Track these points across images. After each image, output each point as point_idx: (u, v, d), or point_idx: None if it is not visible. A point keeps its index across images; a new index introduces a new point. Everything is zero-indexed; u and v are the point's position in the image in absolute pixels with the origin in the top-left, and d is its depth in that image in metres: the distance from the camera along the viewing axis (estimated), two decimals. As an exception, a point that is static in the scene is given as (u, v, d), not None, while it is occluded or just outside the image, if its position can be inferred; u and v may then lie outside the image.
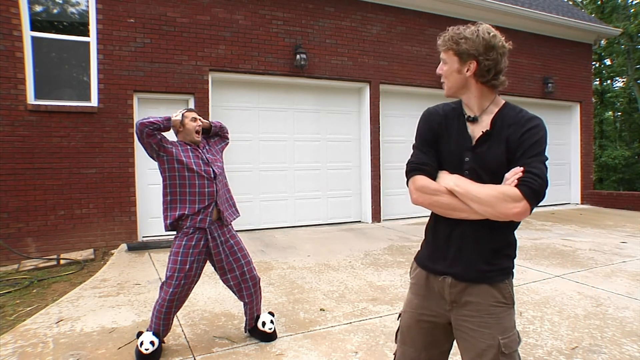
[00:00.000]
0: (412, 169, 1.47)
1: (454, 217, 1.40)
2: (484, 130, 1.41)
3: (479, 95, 1.43)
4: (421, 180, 1.43)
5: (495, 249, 1.42)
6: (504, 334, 1.37)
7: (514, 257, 1.47)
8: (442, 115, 1.50)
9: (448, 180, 1.40)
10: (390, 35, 7.88)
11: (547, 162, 1.35)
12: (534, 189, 1.28)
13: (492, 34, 1.39)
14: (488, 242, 1.41)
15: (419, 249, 1.62)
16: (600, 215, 8.54)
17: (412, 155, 1.51)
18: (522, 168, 1.32)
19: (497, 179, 1.36)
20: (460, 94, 1.47)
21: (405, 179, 1.50)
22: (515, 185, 1.30)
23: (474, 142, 1.42)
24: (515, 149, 1.35)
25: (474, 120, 1.44)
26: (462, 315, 1.43)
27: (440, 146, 1.47)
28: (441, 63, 1.47)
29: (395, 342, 1.62)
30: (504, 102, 1.46)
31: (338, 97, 7.72)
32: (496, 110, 1.43)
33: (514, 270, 1.48)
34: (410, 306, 1.56)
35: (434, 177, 1.44)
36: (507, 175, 1.35)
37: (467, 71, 1.41)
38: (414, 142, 1.54)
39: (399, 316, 1.62)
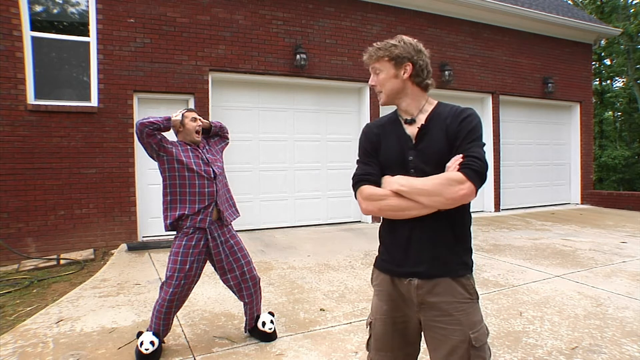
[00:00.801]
0: (358, 181, 1.52)
1: (405, 217, 1.43)
2: (419, 126, 1.47)
3: (415, 96, 1.51)
4: (367, 189, 1.48)
5: (455, 241, 1.46)
6: (473, 329, 1.41)
7: (471, 253, 1.52)
8: (379, 126, 1.58)
9: (392, 182, 1.44)
10: (390, 35, 7.66)
11: (484, 148, 1.43)
12: (475, 170, 1.34)
13: (414, 40, 1.53)
14: (446, 235, 1.44)
15: (377, 254, 1.62)
16: (600, 215, 8.54)
17: (356, 169, 1.57)
18: (461, 155, 1.38)
19: (442, 170, 1.40)
20: (397, 100, 1.53)
21: (353, 193, 1.55)
22: (458, 170, 1.35)
23: (414, 140, 1.47)
24: (454, 137, 1.42)
25: (412, 121, 1.50)
26: (432, 316, 1.45)
27: (381, 154, 1.53)
28: (372, 75, 1.55)
29: (367, 350, 1.62)
30: (437, 102, 1.54)
31: (338, 97, 7.72)
32: (431, 108, 1.51)
33: (473, 265, 1.52)
34: (381, 313, 1.56)
35: (379, 185, 1.48)
36: (448, 164, 1.40)
37: (404, 74, 1.49)
38: (358, 155, 1.61)
39: (369, 324, 1.62)
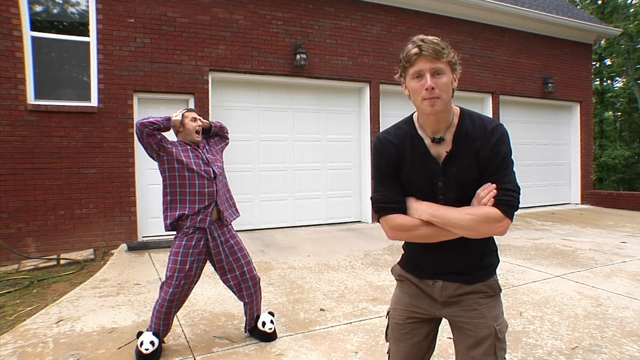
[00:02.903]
0: (383, 209, 1.41)
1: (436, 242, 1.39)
2: (447, 151, 1.37)
3: (451, 108, 1.38)
4: (395, 219, 1.39)
5: (483, 252, 1.45)
6: (497, 321, 1.42)
7: (497, 251, 1.51)
8: (397, 145, 1.42)
9: (421, 212, 1.36)
10: (390, 35, 7.88)
11: (514, 167, 1.36)
12: (513, 206, 1.30)
13: None
14: (475, 249, 1.43)
15: (403, 252, 1.61)
16: (600, 215, 8.54)
17: (376, 192, 1.44)
18: (494, 185, 1.31)
19: (471, 193, 1.35)
20: (446, 110, 1.35)
21: (376, 215, 1.45)
22: (494, 205, 1.30)
23: (441, 163, 1.38)
24: (486, 163, 1.33)
25: (440, 140, 1.37)
26: (455, 311, 1.46)
27: (404, 177, 1.42)
28: (430, 76, 1.28)
29: (387, 340, 1.63)
30: (459, 109, 1.40)
31: (338, 97, 7.71)
32: (456, 121, 1.38)
33: (499, 262, 1.52)
34: (401, 304, 1.56)
35: (405, 211, 1.40)
36: (480, 192, 1.33)
37: (454, 82, 1.35)
38: (373, 172, 1.49)
39: (388, 314, 1.62)
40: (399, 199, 1.41)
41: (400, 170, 1.42)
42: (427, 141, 1.40)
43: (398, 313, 1.56)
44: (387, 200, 1.41)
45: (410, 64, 1.32)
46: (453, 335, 1.52)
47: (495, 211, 1.29)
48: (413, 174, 1.40)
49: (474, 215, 1.30)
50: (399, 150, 1.42)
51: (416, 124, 1.43)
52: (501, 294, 1.50)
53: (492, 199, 1.30)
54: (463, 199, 1.36)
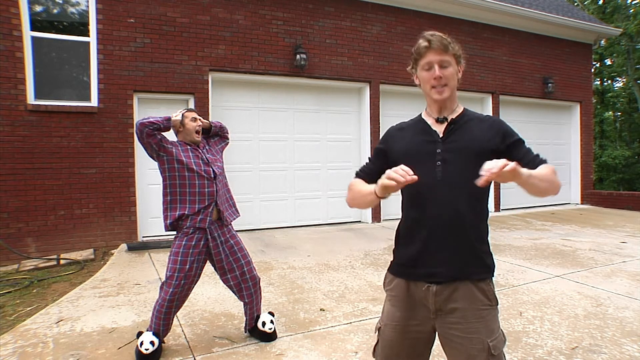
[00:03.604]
0: (355, 175, 1.62)
1: (368, 204, 1.47)
2: (448, 121, 1.47)
3: (455, 97, 1.51)
4: (351, 182, 1.57)
5: (474, 242, 1.42)
6: (491, 336, 1.37)
7: (492, 255, 1.49)
8: (400, 128, 1.59)
9: (524, 171, 1.25)
10: (390, 35, 7.88)
11: None
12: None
13: None
14: (467, 237, 1.41)
15: (392, 259, 1.58)
16: (600, 215, 8.53)
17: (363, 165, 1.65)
18: (515, 162, 1.30)
19: (468, 164, 1.36)
20: (452, 98, 1.49)
21: None
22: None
23: (441, 134, 1.47)
24: (501, 136, 1.43)
25: (444, 120, 1.48)
26: (449, 323, 1.41)
27: (396, 150, 1.52)
28: (438, 67, 1.42)
29: (374, 356, 1.57)
30: (462, 107, 1.55)
31: (338, 97, 7.72)
32: (460, 110, 1.52)
33: (495, 268, 1.49)
34: (393, 319, 1.50)
35: (369, 181, 1.50)
36: (490, 163, 1.23)
37: (459, 73, 1.50)
38: None
39: (377, 330, 1.56)
40: (370, 171, 1.56)
41: (394, 148, 1.53)
42: (431, 121, 1.52)
43: (390, 330, 1.50)
44: (361, 169, 1.62)
45: (421, 56, 1.46)
46: (445, 351, 1.47)
47: (553, 167, 1.38)
48: (411, 143, 1.50)
49: (548, 169, 1.35)
50: (402, 133, 1.56)
51: (423, 114, 1.57)
52: (498, 306, 1.46)
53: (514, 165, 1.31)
54: (462, 166, 1.39)
